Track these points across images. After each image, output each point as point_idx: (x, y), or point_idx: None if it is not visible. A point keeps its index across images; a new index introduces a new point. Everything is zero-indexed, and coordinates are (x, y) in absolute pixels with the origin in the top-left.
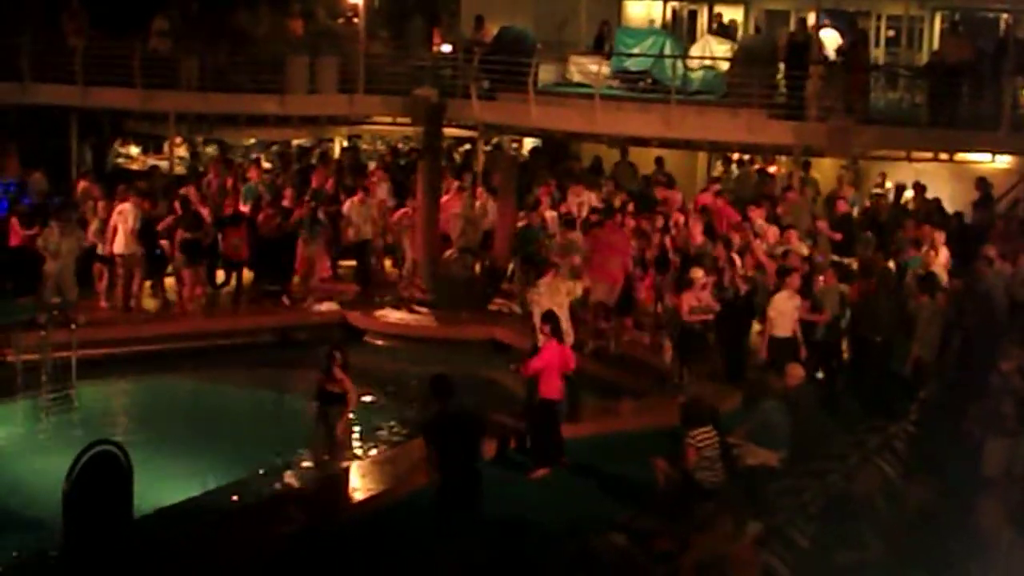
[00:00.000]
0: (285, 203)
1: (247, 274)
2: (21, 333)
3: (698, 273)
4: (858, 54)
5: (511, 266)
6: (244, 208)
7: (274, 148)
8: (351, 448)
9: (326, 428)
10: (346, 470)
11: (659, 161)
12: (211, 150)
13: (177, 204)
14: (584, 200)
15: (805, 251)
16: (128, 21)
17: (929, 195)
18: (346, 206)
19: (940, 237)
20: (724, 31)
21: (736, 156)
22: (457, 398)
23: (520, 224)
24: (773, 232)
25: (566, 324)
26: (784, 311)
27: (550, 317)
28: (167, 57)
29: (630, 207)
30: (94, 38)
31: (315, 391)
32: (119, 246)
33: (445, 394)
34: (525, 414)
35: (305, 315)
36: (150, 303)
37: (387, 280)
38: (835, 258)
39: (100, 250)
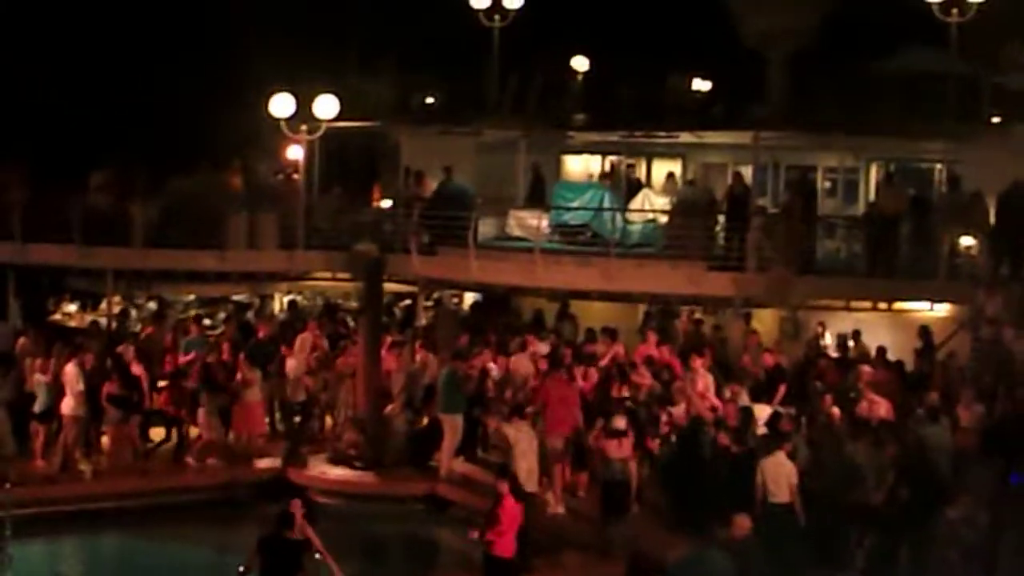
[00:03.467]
0: (224, 357)
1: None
2: None
3: (620, 422)
4: (795, 205)
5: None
6: (184, 359)
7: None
8: None
9: None
10: None
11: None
12: (150, 306)
13: (110, 361)
14: (538, 350)
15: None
16: (65, 176)
17: (871, 344)
18: (289, 365)
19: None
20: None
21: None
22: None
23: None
24: (710, 381)
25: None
26: (778, 477)
27: (506, 472)
28: (107, 212)
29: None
30: (33, 193)
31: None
32: (66, 407)
33: (286, 525)
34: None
35: (244, 472)
36: (85, 463)
37: (321, 436)
38: (780, 409)
39: (37, 407)
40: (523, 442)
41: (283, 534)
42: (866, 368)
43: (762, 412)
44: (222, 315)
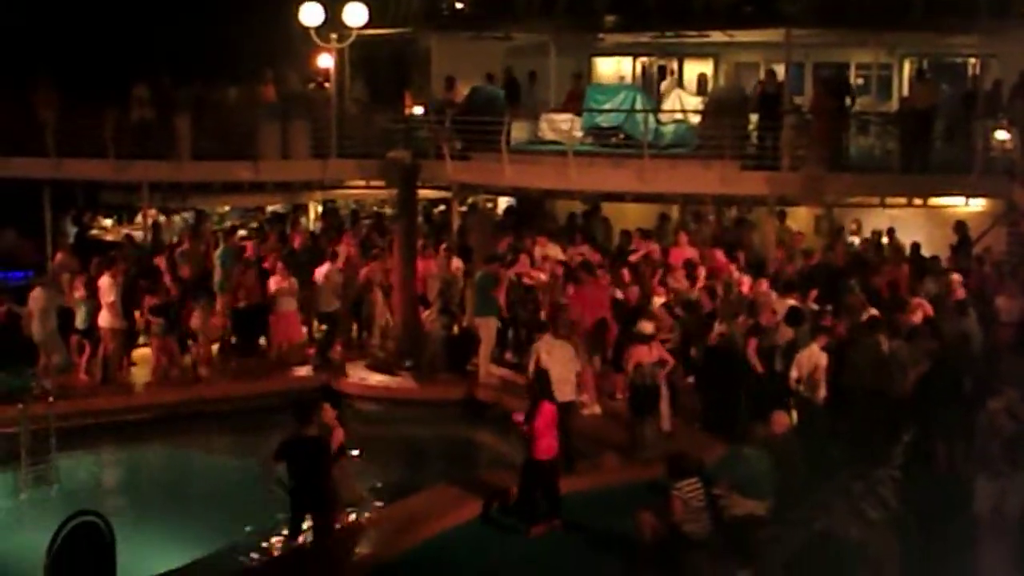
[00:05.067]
0: (264, 266)
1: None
2: None
3: (647, 327)
4: (821, 100)
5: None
6: (217, 273)
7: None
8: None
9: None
10: (329, 535)
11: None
12: (178, 219)
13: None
14: (549, 254)
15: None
16: (99, 91)
17: (905, 240)
18: (318, 274)
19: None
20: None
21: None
22: (314, 424)
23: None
24: (746, 281)
25: (566, 384)
26: (811, 369)
27: (540, 376)
28: (151, 125)
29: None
30: (65, 109)
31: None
32: (102, 319)
33: (303, 420)
34: (520, 473)
35: (284, 381)
36: (127, 374)
37: (358, 342)
38: (814, 307)
39: (78, 323)
40: (547, 351)
41: (301, 433)
42: (956, 276)
43: (782, 304)
44: (253, 225)
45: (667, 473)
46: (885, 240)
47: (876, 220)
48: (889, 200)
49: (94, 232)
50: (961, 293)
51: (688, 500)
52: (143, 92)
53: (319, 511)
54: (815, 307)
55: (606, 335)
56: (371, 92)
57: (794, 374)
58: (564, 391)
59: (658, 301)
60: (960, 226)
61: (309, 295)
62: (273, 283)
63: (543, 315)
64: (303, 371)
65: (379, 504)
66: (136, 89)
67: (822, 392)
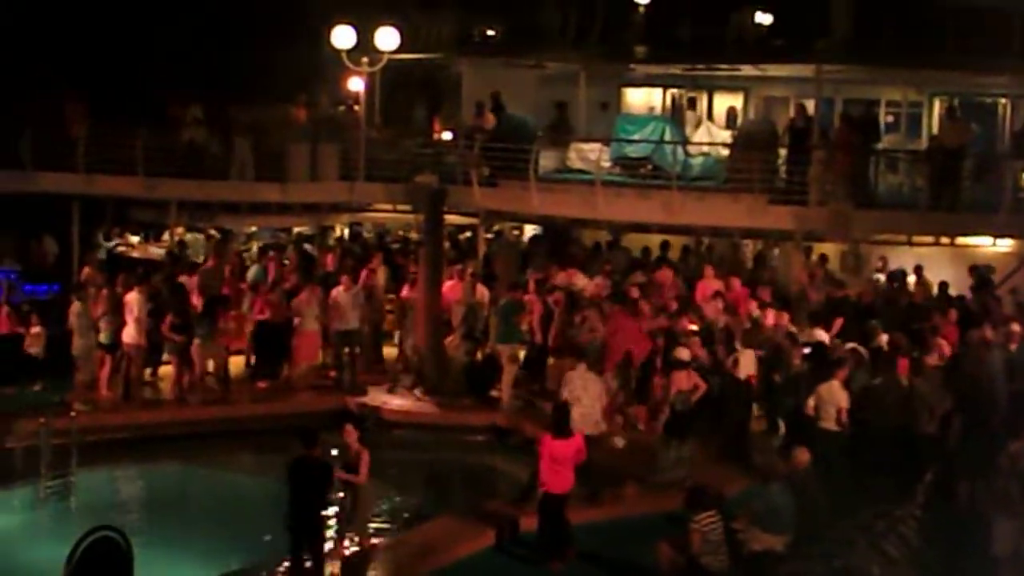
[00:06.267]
0: (287, 287)
1: (238, 360)
2: (21, 420)
3: (683, 353)
4: (845, 135)
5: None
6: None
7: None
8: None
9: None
10: (345, 560)
11: (664, 245)
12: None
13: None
14: (577, 284)
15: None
16: (131, 108)
17: (931, 279)
18: (333, 293)
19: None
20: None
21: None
22: (320, 447)
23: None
24: (771, 314)
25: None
26: (830, 403)
27: (561, 409)
28: (203, 146)
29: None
30: (96, 125)
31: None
32: (127, 335)
33: (308, 444)
34: (538, 505)
35: (304, 402)
36: (148, 390)
37: (382, 366)
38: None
39: (102, 338)
40: (582, 385)
41: (307, 455)
42: (1015, 327)
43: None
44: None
45: (686, 505)
46: (912, 278)
47: (902, 258)
48: (916, 238)
49: (121, 248)
50: (987, 330)
51: (707, 533)
52: (197, 112)
53: (312, 537)
54: (836, 340)
55: (633, 365)
56: (400, 116)
57: (810, 404)
58: (590, 424)
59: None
60: (975, 270)
61: (327, 314)
62: (295, 303)
63: (555, 342)
64: (324, 392)
65: (393, 528)
66: (190, 109)
67: (843, 427)
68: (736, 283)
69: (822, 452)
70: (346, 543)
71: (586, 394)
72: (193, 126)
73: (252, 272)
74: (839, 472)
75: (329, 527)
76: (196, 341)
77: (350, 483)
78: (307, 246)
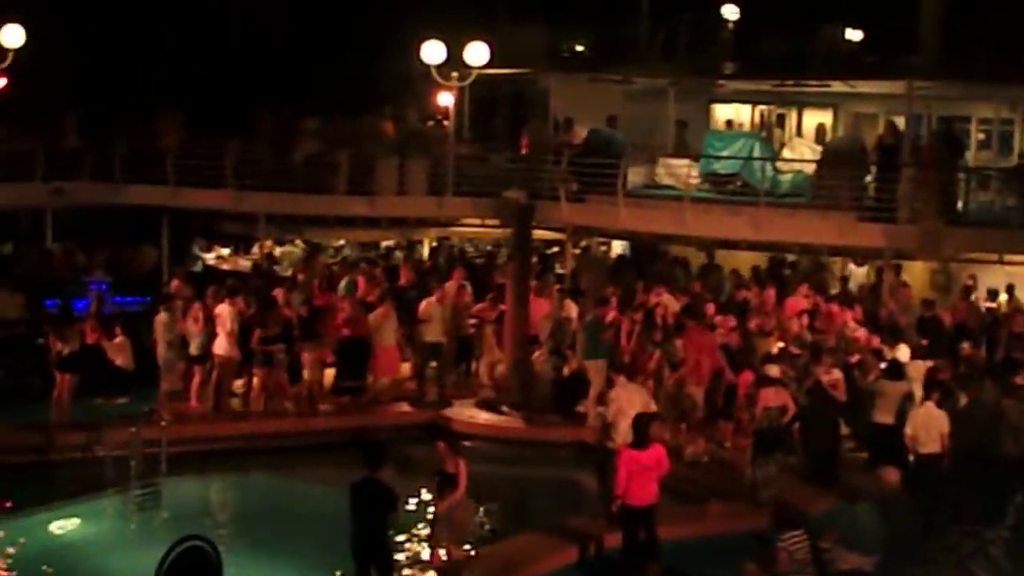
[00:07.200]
0: (369, 300)
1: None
2: (111, 429)
3: (773, 369)
4: (932, 153)
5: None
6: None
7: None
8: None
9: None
10: (437, 568)
11: (755, 270)
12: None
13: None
14: (664, 302)
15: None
16: (221, 120)
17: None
18: (423, 305)
19: None
20: None
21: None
22: (386, 469)
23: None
24: (862, 332)
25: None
26: (928, 427)
27: (638, 419)
28: (319, 158)
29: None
30: (187, 138)
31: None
32: (218, 347)
33: (373, 465)
34: (619, 520)
35: (391, 415)
36: (237, 402)
37: (468, 381)
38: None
39: (192, 349)
40: (626, 398)
41: (371, 477)
42: None
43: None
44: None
45: (773, 524)
46: (1004, 297)
47: (993, 277)
48: (1007, 256)
49: (211, 261)
50: None
51: (793, 552)
52: (314, 125)
53: (382, 564)
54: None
55: (722, 382)
56: (489, 131)
57: (908, 432)
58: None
59: (775, 347)
60: None
61: (415, 329)
62: (373, 317)
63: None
64: (408, 406)
65: (477, 543)
66: (306, 122)
67: (937, 448)
68: (825, 302)
69: (917, 474)
70: (440, 552)
71: (631, 406)
72: (309, 139)
73: (342, 285)
74: (930, 492)
75: (397, 550)
76: (304, 351)
77: (448, 493)
78: (398, 253)
